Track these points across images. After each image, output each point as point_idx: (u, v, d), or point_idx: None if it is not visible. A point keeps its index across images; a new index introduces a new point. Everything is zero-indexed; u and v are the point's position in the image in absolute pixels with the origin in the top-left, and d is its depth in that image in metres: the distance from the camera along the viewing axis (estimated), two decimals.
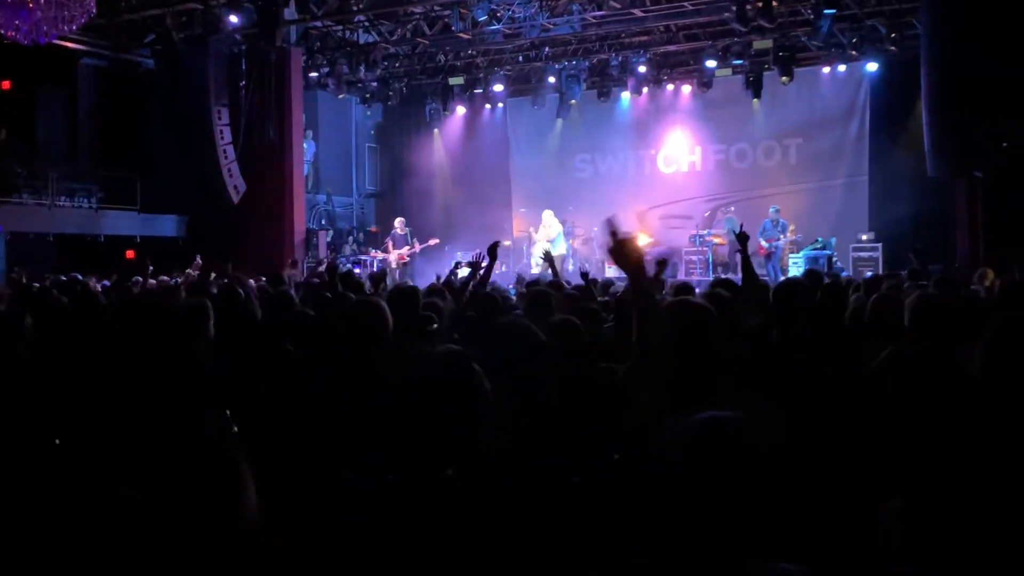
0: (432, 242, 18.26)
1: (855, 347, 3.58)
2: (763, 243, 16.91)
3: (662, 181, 20.80)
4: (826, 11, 13.75)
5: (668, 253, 5.81)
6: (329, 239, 19.67)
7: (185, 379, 3.94)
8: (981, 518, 1.77)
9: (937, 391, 2.57)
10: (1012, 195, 12.67)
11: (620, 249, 2.96)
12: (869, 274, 13.27)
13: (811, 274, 8.50)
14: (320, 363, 4.01)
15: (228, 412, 1.34)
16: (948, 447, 1.81)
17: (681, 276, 17.43)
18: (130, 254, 16.60)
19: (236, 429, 1.39)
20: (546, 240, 18.25)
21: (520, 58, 19.90)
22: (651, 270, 5.55)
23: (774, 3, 14.34)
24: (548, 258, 9.11)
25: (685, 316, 2.96)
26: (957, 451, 1.80)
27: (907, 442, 1.84)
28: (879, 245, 16.79)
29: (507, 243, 20.94)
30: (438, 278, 8.45)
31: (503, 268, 19.37)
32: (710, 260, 18.07)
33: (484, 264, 6.57)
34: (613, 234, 2.93)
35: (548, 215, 18.63)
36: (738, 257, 6.39)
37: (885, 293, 4.43)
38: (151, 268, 12.63)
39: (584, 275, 7.54)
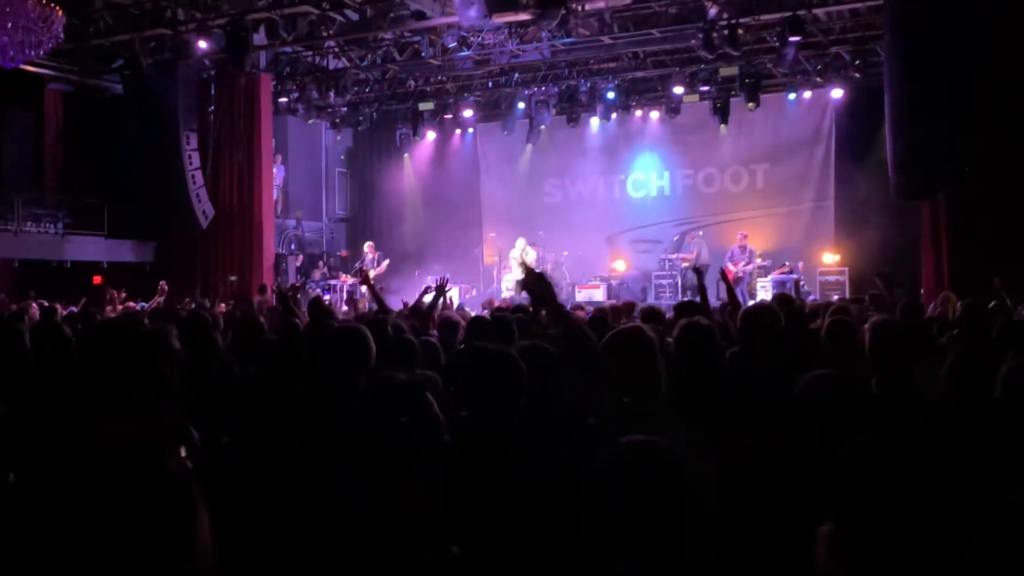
0: (385, 262, 18.36)
1: (807, 370, 3.63)
2: (731, 268, 17.10)
3: (631, 205, 20.96)
4: (791, 39, 13.94)
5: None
6: (299, 264, 19.62)
7: (150, 403, 3.91)
8: (911, 542, 1.83)
9: (864, 415, 2.65)
10: (975, 219, 12.86)
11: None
12: (836, 298, 13.46)
13: (781, 298, 8.57)
14: (286, 389, 4.01)
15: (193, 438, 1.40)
16: (875, 471, 1.87)
17: (651, 299, 17.56)
18: (97, 280, 16.45)
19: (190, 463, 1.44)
20: (522, 264, 18.33)
21: (490, 84, 20.01)
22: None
23: (739, 31, 14.54)
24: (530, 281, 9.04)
25: (625, 343, 3.04)
26: (884, 475, 1.85)
27: (836, 466, 1.91)
28: (846, 269, 16.99)
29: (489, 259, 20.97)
30: (405, 305, 8.46)
31: (473, 292, 19.42)
32: (679, 283, 18.19)
33: (433, 292, 6.71)
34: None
35: (521, 243, 18.70)
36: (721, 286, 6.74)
37: (837, 318, 4.50)
38: (123, 294, 12.54)
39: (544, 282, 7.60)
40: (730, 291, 6.54)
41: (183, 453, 1.45)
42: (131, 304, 10.35)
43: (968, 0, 11.33)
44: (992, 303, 7.61)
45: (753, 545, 2.53)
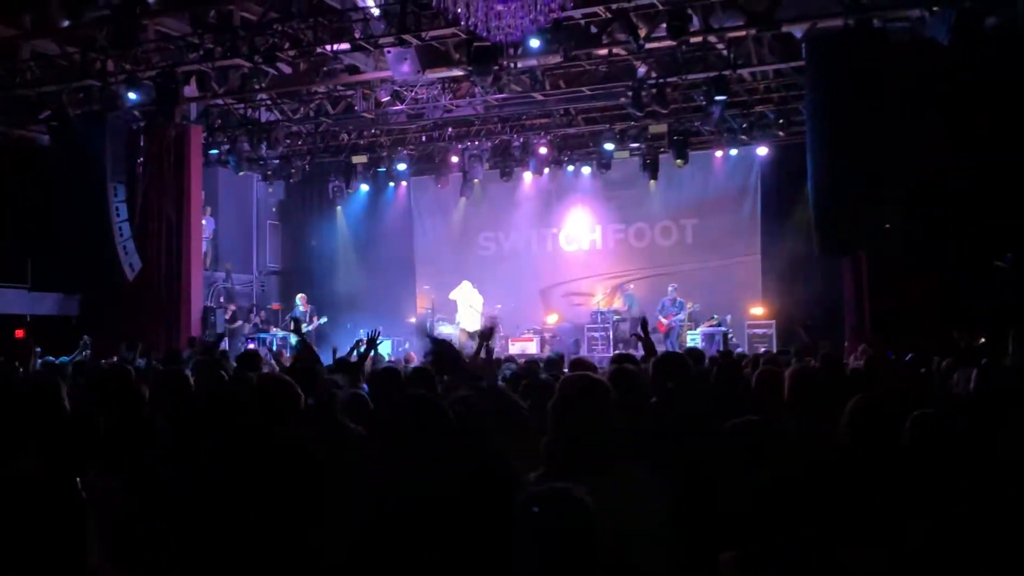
0: (322, 320, 18.31)
1: (734, 414, 3.74)
2: (663, 320, 17.41)
3: (564, 259, 21.19)
4: (717, 98, 14.30)
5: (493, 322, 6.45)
6: (228, 317, 19.34)
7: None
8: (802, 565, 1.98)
9: (768, 454, 2.78)
10: (895, 274, 13.27)
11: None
12: (763, 350, 13.73)
13: (692, 352, 8.76)
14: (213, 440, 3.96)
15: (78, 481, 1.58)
16: (772, 502, 2.02)
17: (584, 352, 17.69)
18: (19, 333, 16.02)
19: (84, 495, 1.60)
20: (470, 307, 18.28)
21: (423, 138, 20.14)
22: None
23: (667, 90, 14.91)
24: (484, 335, 9.08)
25: (571, 389, 3.08)
26: (780, 505, 2.01)
27: (740, 498, 2.10)
28: (772, 322, 17.33)
29: (412, 319, 20.97)
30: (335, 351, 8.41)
31: (406, 345, 19.34)
32: (611, 336, 18.37)
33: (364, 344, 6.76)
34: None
35: (467, 285, 18.66)
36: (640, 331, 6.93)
37: (766, 367, 4.66)
38: (39, 349, 12.24)
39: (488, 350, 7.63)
40: (648, 343, 6.70)
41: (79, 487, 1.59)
42: (50, 358, 10.11)
43: (885, 59, 11.75)
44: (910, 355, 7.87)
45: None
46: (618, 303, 19.54)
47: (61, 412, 3.76)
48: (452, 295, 18.83)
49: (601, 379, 3.41)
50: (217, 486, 3.13)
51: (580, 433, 2.99)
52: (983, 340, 8.33)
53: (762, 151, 18.40)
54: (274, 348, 16.98)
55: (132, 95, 14.75)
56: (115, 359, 9.45)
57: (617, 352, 12.20)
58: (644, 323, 7.06)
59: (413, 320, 20.95)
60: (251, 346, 15.67)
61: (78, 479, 1.58)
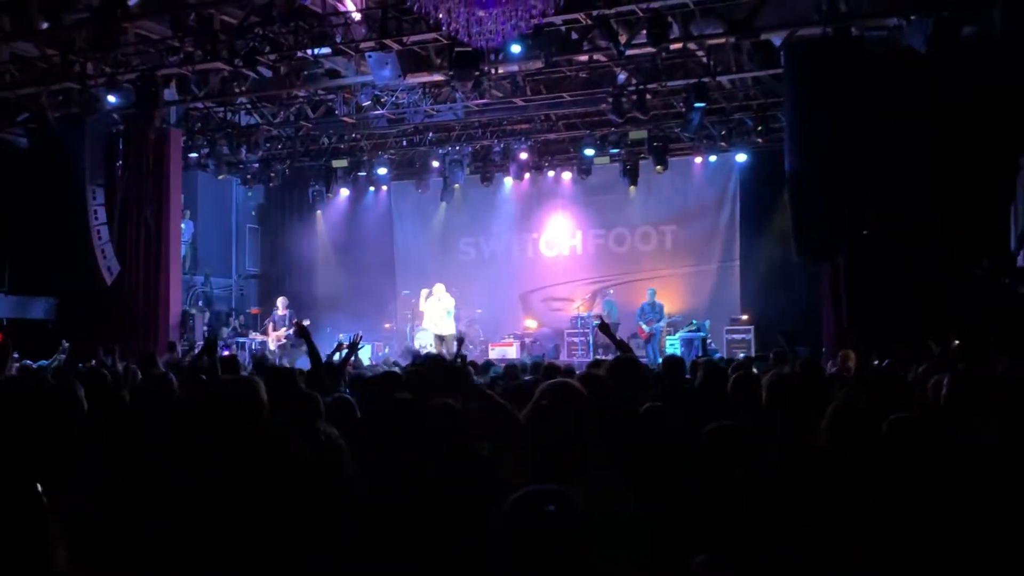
0: (305, 322, 18.12)
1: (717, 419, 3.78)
2: (643, 326, 17.45)
3: (544, 264, 21.23)
4: (696, 105, 14.39)
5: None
6: (206, 321, 19.23)
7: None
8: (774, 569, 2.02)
9: (741, 458, 2.83)
10: (873, 279, 13.35)
11: None
12: (742, 355, 13.82)
13: (671, 359, 8.85)
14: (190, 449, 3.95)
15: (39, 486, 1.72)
16: (746, 505, 2.06)
17: (564, 357, 17.73)
18: None
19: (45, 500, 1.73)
20: (444, 311, 18.06)
21: (404, 142, 20.15)
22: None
23: (647, 96, 14.97)
24: (459, 340, 9.30)
25: (550, 395, 3.11)
26: (754, 508, 2.05)
27: (714, 501, 2.15)
28: (751, 328, 17.41)
29: (388, 325, 20.93)
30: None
31: (386, 350, 19.30)
32: (591, 342, 18.40)
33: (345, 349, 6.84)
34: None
35: (440, 288, 18.50)
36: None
37: (743, 372, 4.72)
38: (16, 354, 12.15)
39: (463, 357, 7.70)
40: (618, 344, 6.80)
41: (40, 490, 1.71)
42: (28, 362, 10.04)
43: (863, 67, 11.86)
44: (886, 361, 7.94)
45: None
46: (598, 308, 19.58)
47: (75, 415, 3.76)
48: (421, 307, 18.43)
49: (578, 385, 3.44)
50: (202, 487, 3.13)
51: (557, 438, 3.02)
52: (957, 343, 8.42)
53: (741, 157, 18.50)
54: (255, 353, 16.91)
55: (111, 98, 14.67)
56: (92, 363, 9.38)
57: (595, 358, 12.24)
58: (604, 327, 7.24)
59: (389, 326, 20.91)
60: (225, 353, 15.50)
61: (39, 484, 1.67)
